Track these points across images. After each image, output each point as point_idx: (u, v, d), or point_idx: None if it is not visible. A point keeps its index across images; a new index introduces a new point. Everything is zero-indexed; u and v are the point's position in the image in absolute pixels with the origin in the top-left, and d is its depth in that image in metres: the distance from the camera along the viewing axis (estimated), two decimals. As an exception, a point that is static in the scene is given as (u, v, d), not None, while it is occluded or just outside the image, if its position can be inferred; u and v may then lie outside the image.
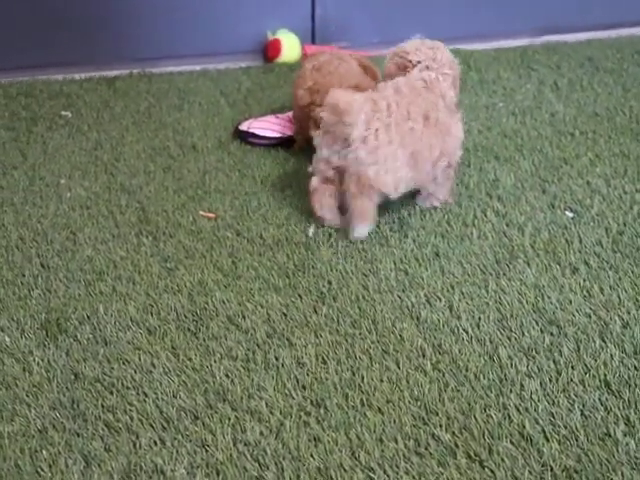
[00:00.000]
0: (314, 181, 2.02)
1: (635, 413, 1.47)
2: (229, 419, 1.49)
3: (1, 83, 2.96)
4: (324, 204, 2.02)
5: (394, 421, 1.47)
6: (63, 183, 2.30)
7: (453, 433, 1.45)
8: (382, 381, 1.56)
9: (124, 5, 3.01)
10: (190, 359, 1.63)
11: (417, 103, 2.00)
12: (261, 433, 1.46)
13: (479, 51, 3.24)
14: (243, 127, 2.52)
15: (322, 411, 1.50)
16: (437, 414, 1.49)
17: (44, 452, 1.43)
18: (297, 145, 2.43)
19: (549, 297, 1.79)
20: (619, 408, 1.49)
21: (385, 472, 1.38)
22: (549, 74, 3.01)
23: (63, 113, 2.73)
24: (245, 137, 2.50)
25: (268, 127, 2.49)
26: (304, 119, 2.31)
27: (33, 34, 2.97)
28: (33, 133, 2.60)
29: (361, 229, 2.00)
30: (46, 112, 2.74)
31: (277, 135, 2.48)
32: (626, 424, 1.46)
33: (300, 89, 2.34)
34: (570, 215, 2.09)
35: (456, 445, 1.42)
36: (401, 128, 1.94)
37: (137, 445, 1.44)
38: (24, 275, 1.90)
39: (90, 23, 3.01)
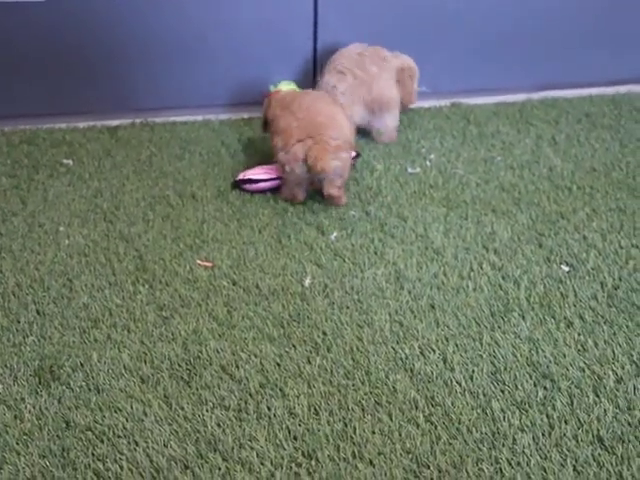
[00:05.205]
0: None
1: (628, 469, 1.46)
2: (219, 469, 1.48)
3: (4, 131, 2.98)
4: None
5: (385, 474, 1.46)
6: (62, 230, 2.31)
7: (444, 487, 1.44)
8: (374, 433, 1.56)
9: (128, 55, 3.05)
10: (182, 408, 1.63)
11: None
12: (251, 484, 1.45)
13: (479, 105, 3.27)
14: (239, 177, 2.53)
15: (313, 462, 1.49)
16: (429, 467, 1.48)
17: (32, 500, 1.43)
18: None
19: (543, 351, 1.78)
20: (612, 464, 1.48)
21: (375, 526, 1.37)
22: (547, 129, 3.03)
23: (65, 161, 2.76)
24: (242, 185, 2.52)
25: (262, 172, 2.51)
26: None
27: (37, 83, 3.01)
28: (34, 181, 2.62)
29: None
30: (48, 160, 2.77)
31: (272, 176, 2.49)
32: (619, 480, 1.45)
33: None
34: (566, 269, 2.10)
35: (447, 499, 1.41)
36: None
37: (126, 495, 1.44)
38: (19, 322, 1.90)
39: (94, 72, 3.06)
